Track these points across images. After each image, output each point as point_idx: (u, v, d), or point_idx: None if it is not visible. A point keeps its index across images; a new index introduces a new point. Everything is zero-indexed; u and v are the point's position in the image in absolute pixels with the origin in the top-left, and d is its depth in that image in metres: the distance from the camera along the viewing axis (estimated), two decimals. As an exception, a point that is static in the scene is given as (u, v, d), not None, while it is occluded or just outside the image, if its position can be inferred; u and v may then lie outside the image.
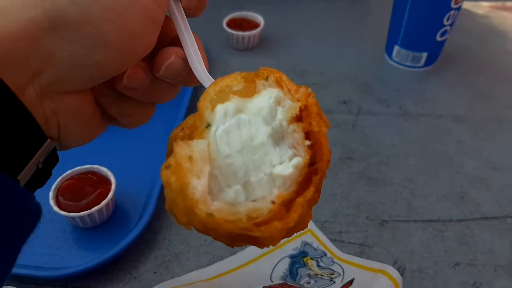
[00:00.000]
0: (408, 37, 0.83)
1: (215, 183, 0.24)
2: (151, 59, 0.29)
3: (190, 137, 0.25)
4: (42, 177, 0.25)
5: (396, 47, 0.86)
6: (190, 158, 0.23)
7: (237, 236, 0.22)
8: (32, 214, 0.23)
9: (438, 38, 0.82)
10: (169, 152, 0.26)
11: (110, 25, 0.23)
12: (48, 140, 0.25)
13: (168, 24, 0.30)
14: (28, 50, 0.22)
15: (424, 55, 0.85)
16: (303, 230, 0.25)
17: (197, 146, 0.23)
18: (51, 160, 0.26)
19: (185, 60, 0.29)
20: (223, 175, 0.24)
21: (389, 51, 0.89)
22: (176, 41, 0.30)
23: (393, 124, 0.77)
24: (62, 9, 0.22)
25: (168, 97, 0.31)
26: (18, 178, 0.23)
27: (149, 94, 0.29)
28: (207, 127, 0.25)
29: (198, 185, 0.22)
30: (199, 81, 0.29)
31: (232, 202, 0.23)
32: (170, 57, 0.28)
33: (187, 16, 0.31)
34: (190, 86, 0.31)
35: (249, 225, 0.22)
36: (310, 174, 0.24)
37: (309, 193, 0.23)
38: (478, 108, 0.80)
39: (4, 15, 0.22)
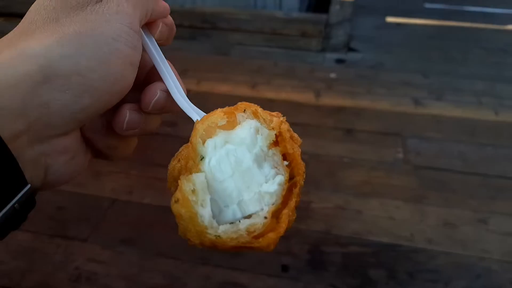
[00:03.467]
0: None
1: (215, 205, 0.29)
2: (136, 96, 0.33)
3: (186, 167, 0.30)
4: (17, 219, 0.28)
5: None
6: (193, 191, 0.28)
7: (240, 248, 0.28)
8: None
9: None
10: (170, 182, 0.32)
11: (96, 73, 0.27)
12: (29, 185, 0.27)
13: (143, 57, 0.32)
14: (25, 101, 0.25)
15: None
16: (290, 227, 0.31)
17: (197, 179, 0.28)
18: (29, 205, 0.28)
19: (168, 93, 0.33)
20: (221, 198, 0.29)
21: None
22: (152, 71, 0.34)
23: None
24: (53, 63, 0.26)
25: (156, 126, 0.35)
26: None
27: (141, 129, 0.33)
28: (201, 159, 0.30)
29: (204, 213, 0.28)
30: (180, 108, 0.34)
31: (232, 220, 0.29)
32: (156, 93, 0.32)
33: (160, 46, 0.34)
34: (173, 114, 0.35)
35: (249, 239, 0.28)
36: (291, 187, 0.31)
37: (292, 203, 0.30)
38: None
39: (3, 69, 0.25)
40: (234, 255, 1.14)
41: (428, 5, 3.15)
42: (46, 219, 1.25)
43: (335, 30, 2.49)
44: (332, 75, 2.10)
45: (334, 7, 2.73)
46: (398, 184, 1.40)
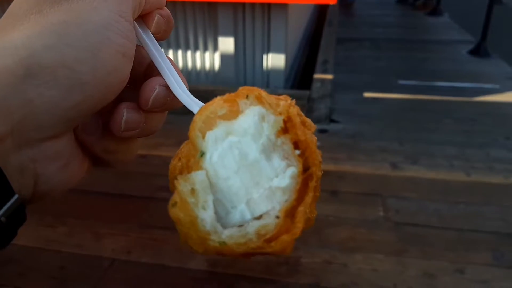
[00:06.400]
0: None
1: (221, 207, 0.25)
2: (136, 95, 0.30)
3: (188, 165, 0.27)
4: (6, 235, 0.24)
5: None
6: (193, 191, 0.25)
7: (251, 254, 0.25)
8: None
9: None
10: (171, 182, 0.28)
11: (85, 65, 0.24)
12: (17, 196, 0.24)
13: (139, 52, 0.30)
14: (6, 98, 0.22)
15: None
16: (310, 226, 0.27)
17: (197, 178, 0.25)
18: (18, 218, 0.25)
19: (167, 88, 0.30)
20: (226, 198, 0.25)
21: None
22: (151, 67, 0.31)
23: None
24: (36, 55, 0.23)
25: (158, 126, 0.32)
26: None
27: (142, 129, 0.30)
28: (201, 156, 0.26)
29: (206, 217, 0.24)
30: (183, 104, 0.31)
31: (240, 223, 0.25)
32: (154, 89, 0.29)
33: (157, 41, 0.31)
34: (176, 109, 0.32)
35: (260, 243, 0.24)
36: (306, 180, 0.26)
37: (308, 199, 0.26)
38: None
39: None
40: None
41: (401, 82, 3.46)
42: (48, 278, 1.31)
43: (317, 104, 2.73)
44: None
45: (316, 85, 3.01)
46: (380, 239, 1.50)
